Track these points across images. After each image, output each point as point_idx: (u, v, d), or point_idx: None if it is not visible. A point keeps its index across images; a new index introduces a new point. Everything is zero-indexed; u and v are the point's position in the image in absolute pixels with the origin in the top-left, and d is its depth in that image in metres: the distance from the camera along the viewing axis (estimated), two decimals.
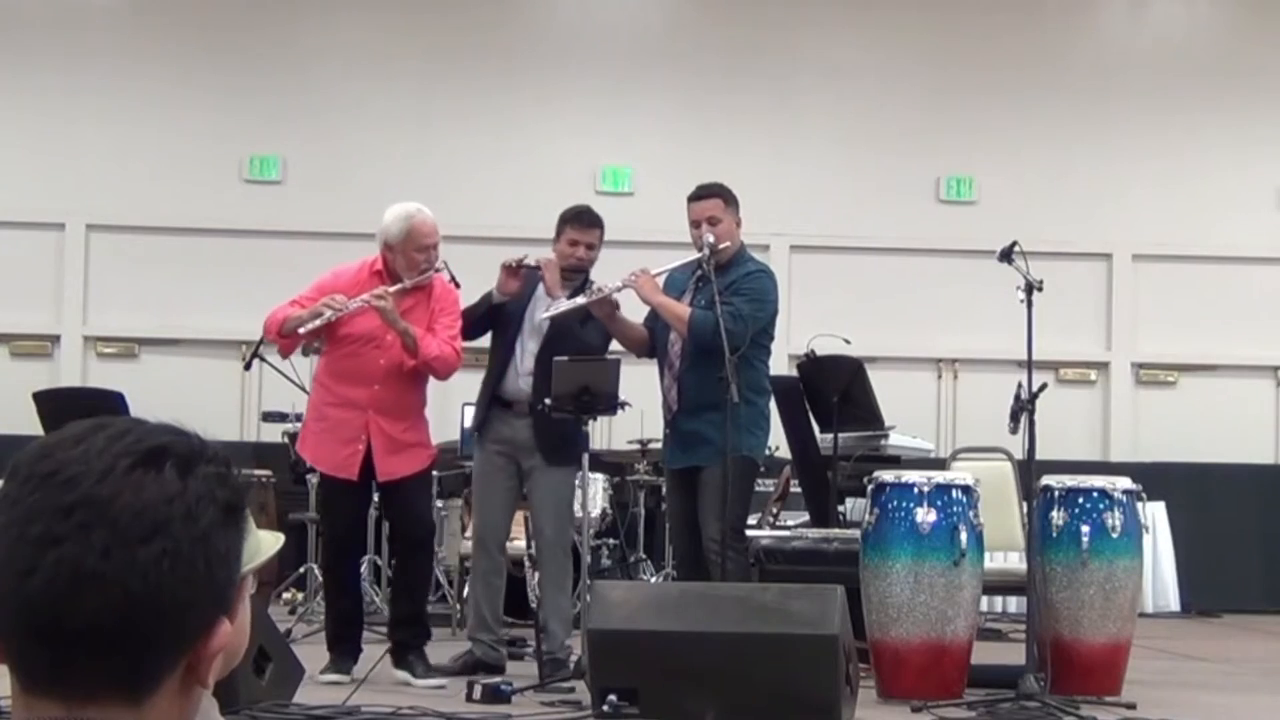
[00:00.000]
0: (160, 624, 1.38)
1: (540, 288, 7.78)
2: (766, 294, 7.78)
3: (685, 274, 7.87)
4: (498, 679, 7.09)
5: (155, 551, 1.37)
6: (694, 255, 7.74)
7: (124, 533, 1.37)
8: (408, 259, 7.44)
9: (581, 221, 7.89)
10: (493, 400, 7.80)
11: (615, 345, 8.05)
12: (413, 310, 7.46)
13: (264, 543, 1.52)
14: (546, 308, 7.71)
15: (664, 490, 9.25)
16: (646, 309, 7.87)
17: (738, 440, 7.40)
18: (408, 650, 7.44)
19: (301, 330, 7.37)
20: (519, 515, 8.19)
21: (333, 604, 7.68)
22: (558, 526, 7.72)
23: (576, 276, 7.81)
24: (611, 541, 10.88)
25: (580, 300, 7.64)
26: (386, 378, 7.43)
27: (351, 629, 7.58)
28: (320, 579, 9.83)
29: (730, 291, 7.58)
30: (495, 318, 7.87)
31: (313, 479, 10.10)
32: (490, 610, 7.76)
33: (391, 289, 7.38)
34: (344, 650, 7.46)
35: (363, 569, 9.02)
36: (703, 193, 7.85)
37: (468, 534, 10.35)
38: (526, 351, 7.75)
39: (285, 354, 7.94)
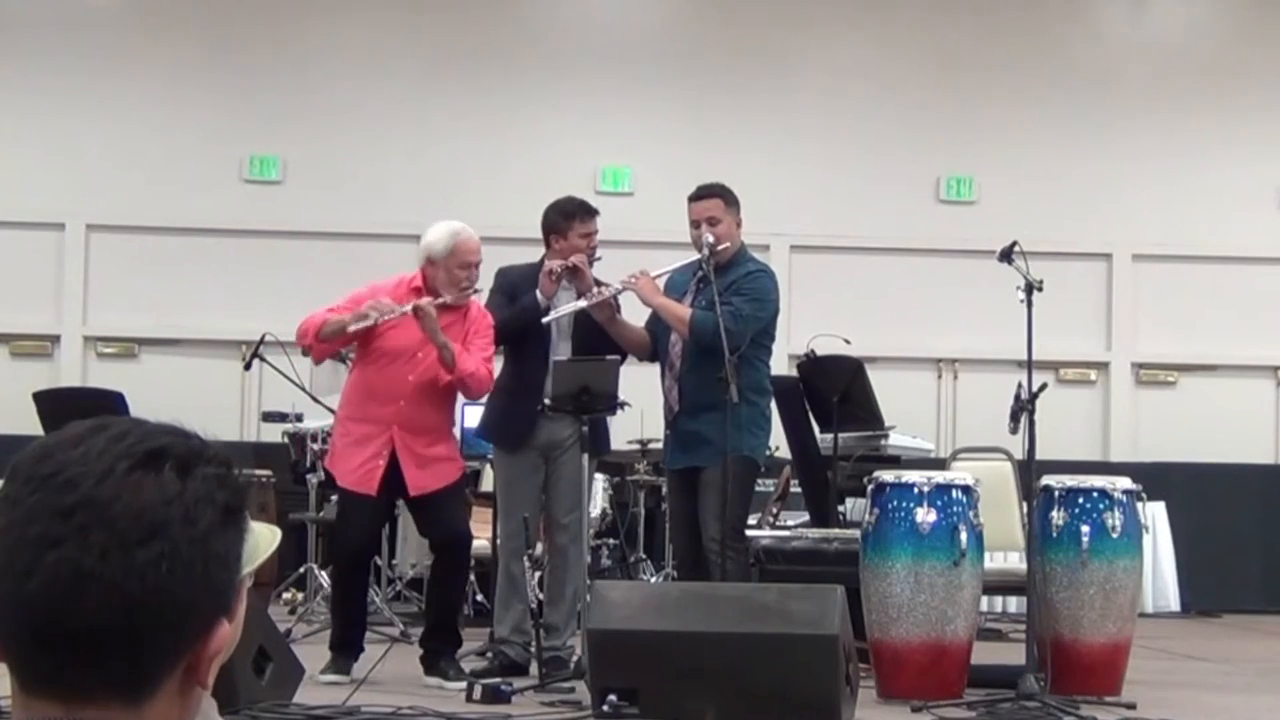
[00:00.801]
0: (159, 625, 1.38)
1: (559, 294, 7.76)
2: (767, 294, 7.78)
3: (686, 275, 7.87)
4: (498, 679, 7.09)
5: (154, 553, 1.37)
6: (694, 256, 7.74)
7: (122, 534, 1.37)
8: (450, 275, 7.44)
9: (586, 212, 7.92)
10: (542, 408, 7.69)
11: None
12: (449, 329, 7.41)
13: (262, 540, 1.52)
14: (546, 312, 7.70)
15: (664, 490, 9.25)
16: (648, 311, 7.87)
17: (738, 440, 7.40)
18: (439, 657, 7.45)
19: (350, 329, 7.33)
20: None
21: (338, 610, 7.68)
22: (579, 518, 7.66)
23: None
24: (611, 541, 10.88)
25: (581, 303, 7.64)
26: (413, 395, 7.42)
27: (354, 631, 7.60)
28: (320, 579, 9.85)
29: (731, 291, 7.58)
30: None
31: (313, 479, 10.12)
32: (523, 612, 7.70)
33: (434, 302, 7.38)
34: (344, 651, 7.47)
35: None
36: (703, 193, 7.84)
37: None
38: (561, 355, 7.74)
39: (319, 359, 7.93)
